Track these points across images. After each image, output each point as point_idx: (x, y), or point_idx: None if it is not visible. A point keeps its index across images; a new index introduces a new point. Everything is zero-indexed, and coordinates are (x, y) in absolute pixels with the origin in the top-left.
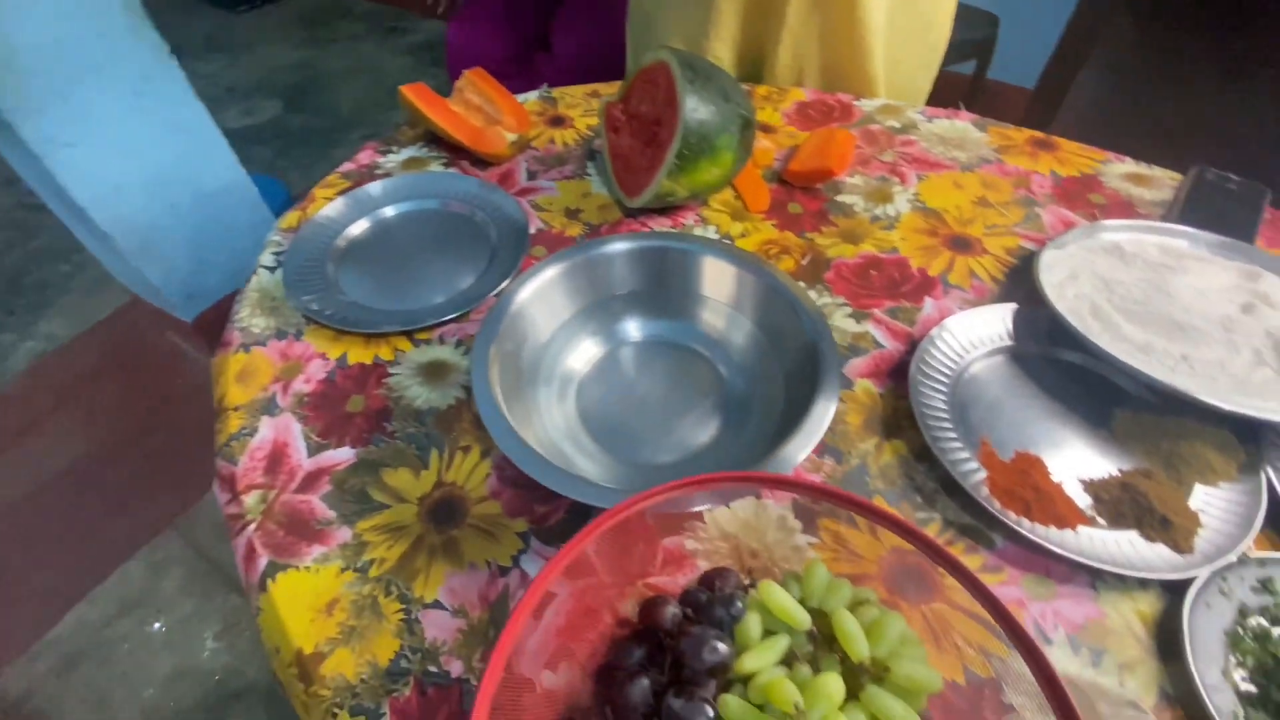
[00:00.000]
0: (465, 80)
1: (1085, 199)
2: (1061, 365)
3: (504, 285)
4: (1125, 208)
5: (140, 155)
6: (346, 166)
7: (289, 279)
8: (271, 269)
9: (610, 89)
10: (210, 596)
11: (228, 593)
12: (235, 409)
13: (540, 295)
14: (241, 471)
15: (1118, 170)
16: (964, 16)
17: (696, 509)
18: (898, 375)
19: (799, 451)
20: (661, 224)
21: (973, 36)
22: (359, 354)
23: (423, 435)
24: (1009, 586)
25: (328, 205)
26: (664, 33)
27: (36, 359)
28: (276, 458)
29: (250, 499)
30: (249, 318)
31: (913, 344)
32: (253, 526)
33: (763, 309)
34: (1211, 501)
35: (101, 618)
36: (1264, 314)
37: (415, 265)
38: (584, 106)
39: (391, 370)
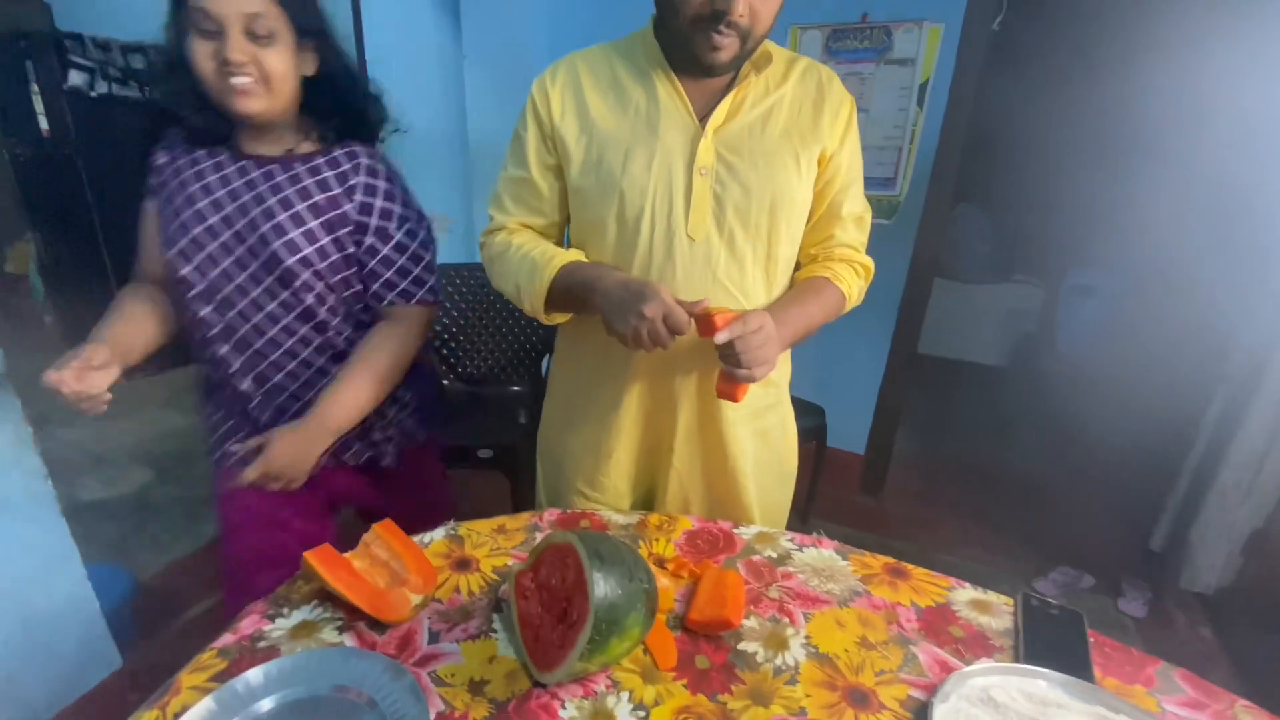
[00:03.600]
0: (373, 534)
1: (947, 632)
2: None
3: None
4: (980, 640)
5: None
6: (226, 640)
7: None
8: None
9: (516, 523)
10: None
11: None
12: None
13: None
14: None
15: (963, 597)
16: (799, 409)
17: None
18: None
19: None
20: (573, 692)
21: (808, 425)
22: None
23: None
24: None
25: (193, 710)
26: (571, 471)
27: None
28: None
29: None
30: None
31: None
32: None
33: None
34: None
35: None
36: None
37: None
38: (490, 545)
39: None
